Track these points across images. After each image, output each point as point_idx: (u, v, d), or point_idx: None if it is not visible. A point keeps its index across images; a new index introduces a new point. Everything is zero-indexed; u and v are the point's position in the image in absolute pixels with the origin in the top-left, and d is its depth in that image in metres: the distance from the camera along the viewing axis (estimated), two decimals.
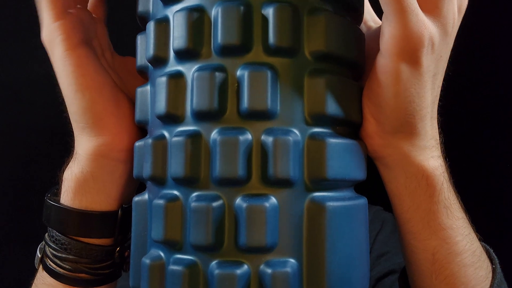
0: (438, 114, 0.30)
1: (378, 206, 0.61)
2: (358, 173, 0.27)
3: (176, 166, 0.24)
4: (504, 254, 0.34)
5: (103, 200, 0.32)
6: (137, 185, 0.35)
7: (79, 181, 0.32)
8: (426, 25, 0.25)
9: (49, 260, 0.32)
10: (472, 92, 0.72)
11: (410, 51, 0.25)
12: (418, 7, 0.25)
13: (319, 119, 0.25)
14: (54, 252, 0.32)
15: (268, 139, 0.24)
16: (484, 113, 0.73)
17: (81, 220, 0.31)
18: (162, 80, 0.25)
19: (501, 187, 0.72)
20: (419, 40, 0.25)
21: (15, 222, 0.71)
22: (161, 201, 0.25)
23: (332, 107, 0.25)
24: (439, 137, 0.30)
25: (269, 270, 0.23)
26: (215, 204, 0.24)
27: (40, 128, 0.70)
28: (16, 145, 0.71)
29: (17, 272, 0.68)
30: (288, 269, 0.23)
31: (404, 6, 0.24)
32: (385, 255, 0.53)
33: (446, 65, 0.29)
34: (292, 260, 0.24)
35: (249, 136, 0.24)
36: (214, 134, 0.24)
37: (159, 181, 0.26)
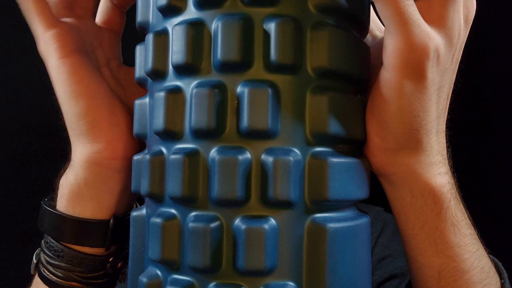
0: (446, 128, 0.29)
1: (378, 206, 0.60)
2: (361, 192, 0.26)
3: (173, 185, 0.24)
4: (507, 261, 0.34)
5: (96, 208, 0.32)
6: (134, 196, 0.34)
7: (73, 188, 0.32)
8: (430, 35, 0.24)
9: (43, 267, 0.32)
10: (473, 101, 0.72)
11: (415, 64, 0.24)
12: (421, 18, 0.24)
13: (321, 138, 0.24)
14: (48, 259, 0.32)
15: (268, 159, 0.23)
16: (488, 123, 0.72)
17: (74, 227, 0.31)
18: (161, 95, 0.25)
19: (504, 194, 0.71)
20: (423, 52, 0.24)
21: (14, 222, 0.71)
22: (158, 220, 0.24)
23: (334, 126, 0.24)
24: (447, 151, 0.29)
25: None
26: (213, 225, 0.23)
27: (39, 128, 0.70)
28: (16, 145, 0.71)
29: (17, 271, 0.69)
30: None
31: (405, 18, 0.23)
32: (386, 259, 0.53)
33: (453, 78, 0.28)
34: (291, 284, 0.23)
35: (248, 155, 0.23)
36: (213, 153, 0.23)
37: (157, 198, 0.25)
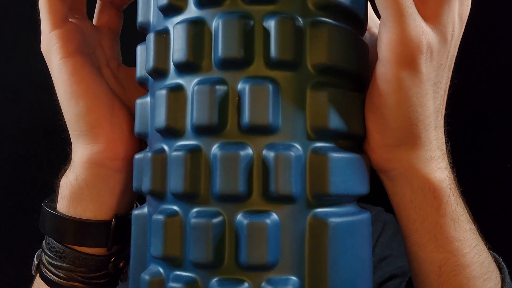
0: (444, 123, 0.29)
1: (379, 207, 0.60)
2: (361, 188, 0.26)
3: (175, 181, 0.24)
4: (507, 256, 0.34)
5: (97, 209, 0.32)
6: (135, 196, 0.34)
7: (73, 189, 0.32)
8: (424, 31, 0.24)
9: (44, 268, 0.32)
10: (474, 98, 0.72)
11: (409, 57, 0.24)
12: (417, 12, 0.25)
13: (321, 133, 0.24)
14: (49, 260, 0.32)
15: (270, 154, 0.23)
16: (486, 118, 0.72)
17: (76, 228, 0.31)
18: (162, 93, 0.25)
19: (503, 189, 0.71)
20: (417, 46, 0.24)
21: (14, 222, 0.71)
22: (160, 217, 0.24)
23: (335, 121, 0.24)
24: (446, 146, 0.29)
25: None
26: (215, 220, 0.23)
27: (40, 128, 0.70)
28: (16, 146, 0.71)
29: (17, 271, 0.68)
30: (290, 287, 0.23)
31: (402, 10, 0.24)
32: (387, 259, 0.53)
33: (449, 74, 0.29)
34: (293, 278, 0.23)
35: (250, 151, 0.23)
36: (215, 149, 0.24)
37: (159, 195, 0.25)
